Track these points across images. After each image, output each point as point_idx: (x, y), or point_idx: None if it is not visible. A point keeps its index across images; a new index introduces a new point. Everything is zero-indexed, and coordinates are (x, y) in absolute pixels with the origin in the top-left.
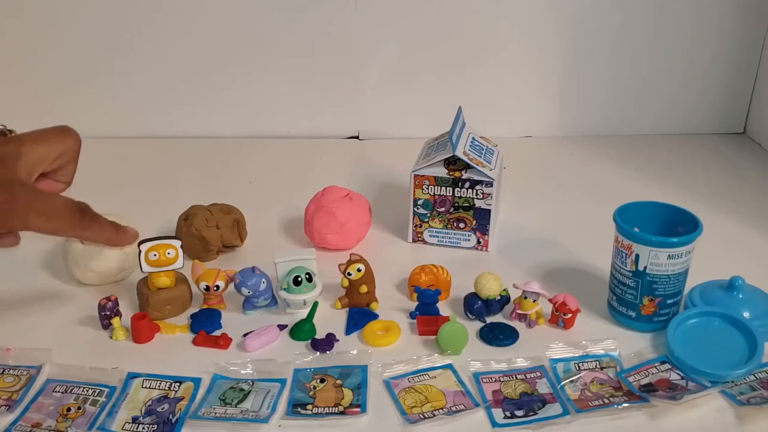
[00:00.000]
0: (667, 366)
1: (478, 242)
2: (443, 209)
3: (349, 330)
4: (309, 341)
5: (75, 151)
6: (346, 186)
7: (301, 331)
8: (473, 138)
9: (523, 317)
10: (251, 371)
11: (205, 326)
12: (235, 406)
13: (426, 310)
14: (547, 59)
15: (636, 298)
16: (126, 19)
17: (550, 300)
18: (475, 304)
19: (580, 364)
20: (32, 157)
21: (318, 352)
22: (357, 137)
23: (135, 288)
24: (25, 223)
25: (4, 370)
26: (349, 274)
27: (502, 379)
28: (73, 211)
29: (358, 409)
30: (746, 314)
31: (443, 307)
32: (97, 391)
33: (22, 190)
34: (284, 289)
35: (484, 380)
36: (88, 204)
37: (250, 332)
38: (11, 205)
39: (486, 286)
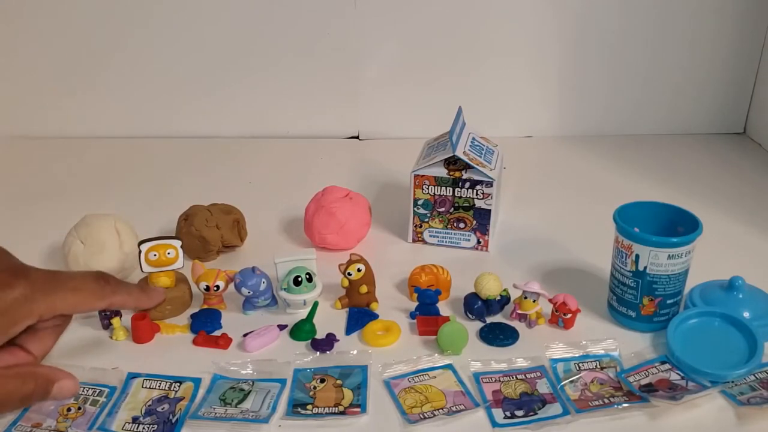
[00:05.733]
0: (667, 366)
1: (478, 242)
2: (443, 209)
3: (349, 330)
4: (309, 341)
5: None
6: (346, 186)
7: (301, 331)
8: (473, 138)
9: (523, 317)
10: (251, 371)
11: (205, 326)
12: (235, 406)
13: (426, 310)
14: (547, 59)
15: (636, 298)
16: (126, 19)
17: (550, 300)
18: (475, 304)
19: (580, 364)
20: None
21: (318, 352)
22: (357, 137)
23: None
24: (50, 304)
25: None
26: (349, 274)
27: (502, 379)
28: (96, 280)
29: (358, 409)
30: (746, 314)
31: (443, 307)
32: (97, 391)
33: (37, 273)
34: (284, 289)
35: (484, 380)
36: (105, 272)
37: (250, 332)
38: (31, 292)
39: (486, 286)
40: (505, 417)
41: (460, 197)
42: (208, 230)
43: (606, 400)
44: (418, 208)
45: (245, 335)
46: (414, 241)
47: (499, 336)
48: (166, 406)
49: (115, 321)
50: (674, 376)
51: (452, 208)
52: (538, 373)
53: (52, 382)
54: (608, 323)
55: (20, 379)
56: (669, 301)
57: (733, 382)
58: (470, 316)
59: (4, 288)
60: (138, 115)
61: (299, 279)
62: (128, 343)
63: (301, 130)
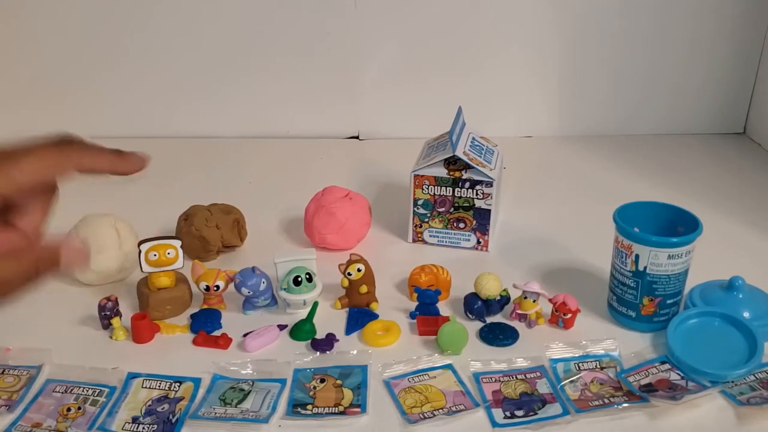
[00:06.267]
0: (667, 366)
1: (478, 242)
2: (443, 209)
3: (349, 330)
4: (309, 341)
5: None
6: (346, 186)
7: (301, 331)
8: (473, 138)
9: (523, 317)
10: (251, 371)
11: (205, 326)
12: (235, 406)
13: (426, 310)
14: (547, 59)
15: (636, 298)
16: (126, 19)
17: (550, 300)
18: (475, 304)
19: (580, 364)
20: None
21: (318, 352)
22: (357, 137)
23: (135, 288)
24: (7, 175)
25: (4, 370)
26: (349, 274)
27: (502, 379)
28: (57, 142)
29: (358, 409)
30: (746, 314)
31: (443, 307)
32: (97, 391)
33: None
34: (284, 289)
35: (484, 380)
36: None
37: (250, 332)
38: None
39: (486, 286)
40: (505, 417)
41: (460, 197)
42: (208, 230)
43: (606, 400)
44: (418, 208)
45: (245, 335)
46: (414, 241)
47: (499, 336)
48: (166, 406)
49: (115, 321)
50: (674, 376)
51: (452, 208)
52: (538, 373)
53: (57, 251)
54: (608, 323)
55: (15, 259)
56: (669, 301)
57: (733, 382)
58: (470, 316)
59: None
60: (138, 115)
61: (299, 279)
62: (128, 343)
63: (301, 130)
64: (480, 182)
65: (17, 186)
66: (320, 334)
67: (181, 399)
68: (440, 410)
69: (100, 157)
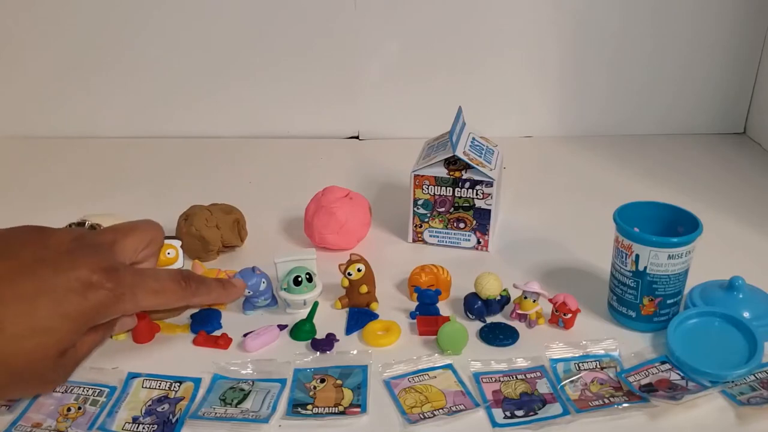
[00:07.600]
0: (667, 366)
1: (478, 242)
2: (443, 209)
3: (349, 330)
4: (309, 341)
5: (159, 242)
6: (346, 186)
7: (301, 331)
8: (473, 138)
9: (523, 317)
10: (251, 371)
11: (205, 326)
12: (236, 406)
13: (426, 310)
14: (547, 59)
15: (636, 298)
16: (125, 19)
17: (550, 300)
18: (475, 304)
19: (580, 364)
20: (126, 244)
21: (318, 352)
22: (357, 137)
23: None
24: (135, 303)
25: None
26: (349, 274)
27: (502, 379)
28: (178, 281)
29: (358, 409)
30: (746, 314)
31: (443, 307)
32: (97, 391)
33: (125, 272)
34: (284, 289)
35: (484, 380)
36: (190, 271)
37: (250, 332)
38: (120, 289)
39: (486, 286)
40: (505, 417)
41: (460, 197)
42: (208, 230)
43: (606, 400)
44: (418, 208)
45: (245, 335)
46: (414, 241)
47: (499, 336)
48: (166, 406)
49: None
50: (674, 376)
51: (452, 208)
52: (538, 373)
53: (112, 324)
54: (608, 323)
55: (111, 329)
56: (669, 301)
57: (733, 382)
58: (470, 316)
59: (98, 289)
60: (138, 115)
61: (299, 279)
62: (128, 343)
63: (301, 130)
64: (480, 182)
65: (136, 312)
66: (320, 334)
67: (181, 399)
68: (440, 410)
69: (208, 296)
